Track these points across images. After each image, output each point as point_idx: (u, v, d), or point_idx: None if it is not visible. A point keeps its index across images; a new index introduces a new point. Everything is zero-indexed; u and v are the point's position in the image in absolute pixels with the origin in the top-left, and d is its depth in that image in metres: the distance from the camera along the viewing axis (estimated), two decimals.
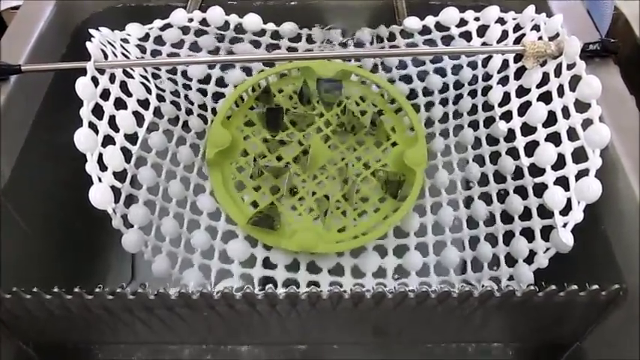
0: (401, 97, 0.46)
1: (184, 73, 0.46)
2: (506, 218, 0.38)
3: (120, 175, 0.36)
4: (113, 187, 0.35)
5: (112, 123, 0.37)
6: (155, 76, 0.44)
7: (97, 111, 0.36)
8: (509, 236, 0.37)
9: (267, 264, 0.40)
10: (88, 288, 0.31)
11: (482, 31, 0.45)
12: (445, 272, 0.39)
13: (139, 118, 0.39)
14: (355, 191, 0.43)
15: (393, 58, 0.48)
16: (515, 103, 0.39)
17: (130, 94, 0.39)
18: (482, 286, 0.30)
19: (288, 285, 0.40)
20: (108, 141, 0.36)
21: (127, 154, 0.37)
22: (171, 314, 0.33)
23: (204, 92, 0.46)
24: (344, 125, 0.45)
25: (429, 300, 0.31)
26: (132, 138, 0.38)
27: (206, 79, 0.47)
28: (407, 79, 0.48)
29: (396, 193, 0.42)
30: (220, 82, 0.47)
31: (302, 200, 0.42)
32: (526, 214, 0.37)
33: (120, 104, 0.38)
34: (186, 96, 0.45)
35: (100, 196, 0.33)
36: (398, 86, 0.47)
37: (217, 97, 0.46)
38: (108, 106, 0.37)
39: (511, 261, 0.36)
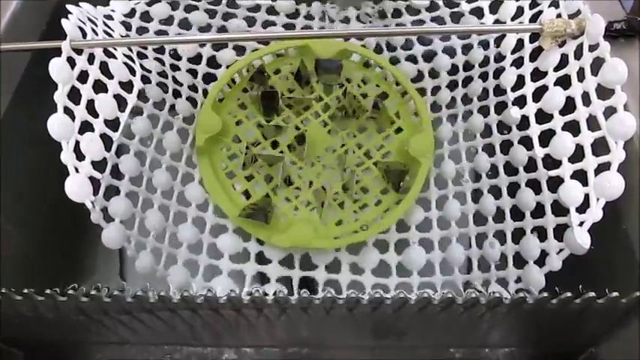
0: (406, 80, 0.42)
1: (173, 53, 0.43)
2: (517, 214, 0.35)
3: (99, 165, 0.34)
4: (92, 178, 0.32)
5: (91, 108, 0.34)
6: (141, 56, 0.41)
7: (75, 95, 0.34)
8: (519, 234, 0.34)
9: (261, 259, 0.38)
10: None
11: (495, 7, 0.41)
12: (449, 271, 0.36)
13: (120, 102, 0.37)
14: (355, 182, 0.40)
15: (398, 37, 0.45)
16: (529, 88, 0.36)
17: (111, 76, 0.36)
18: (491, 293, 0.27)
19: (283, 282, 0.38)
20: (86, 128, 0.34)
21: (107, 141, 0.35)
22: (151, 317, 0.31)
23: (194, 73, 0.43)
24: (344, 109, 0.42)
25: (430, 306, 0.28)
26: (113, 124, 0.35)
27: (196, 59, 0.43)
28: (413, 59, 0.44)
29: (398, 184, 0.39)
30: (212, 62, 0.44)
31: (298, 190, 0.40)
32: (538, 211, 0.33)
33: (100, 87, 0.35)
34: (174, 77, 0.42)
35: (76, 187, 0.31)
36: (403, 67, 0.44)
37: (209, 78, 0.43)
38: (86, 90, 0.34)
39: (520, 261, 0.33)
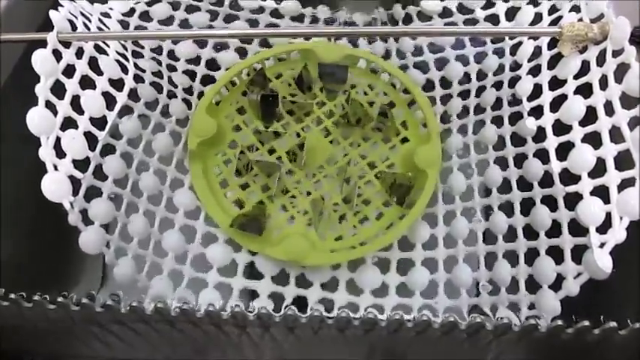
0: (414, 88, 0.40)
1: (171, 53, 0.41)
2: (530, 233, 0.32)
3: (81, 165, 0.32)
4: (72, 178, 0.30)
5: (76, 104, 0.32)
6: (136, 55, 0.39)
7: (61, 90, 0.32)
8: (532, 255, 0.31)
9: (252, 273, 0.35)
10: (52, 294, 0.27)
11: (511, 13, 0.39)
12: (455, 294, 0.33)
13: (110, 100, 0.35)
14: (357, 194, 0.37)
15: (408, 43, 0.42)
16: (547, 97, 0.33)
17: (100, 73, 0.34)
18: (499, 318, 0.25)
19: (274, 298, 0.35)
20: (69, 124, 0.32)
21: (92, 140, 0.33)
22: (124, 329, 0.29)
23: (192, 75, 0.41)
24: (348, 117, 0.39)
25: (430, 330, 0.25)
26: (99, 122, 0.34)
27: (195, 61, 0.42)
28: (423, 67, 0.42)
29: (403, 199, 0.37)
30: (211, 65, 0.42)
31: (294, 199, 0.37)
32: (554, 230, 0.30)
33: (88, 83, 0.33)
34: (169, 78, 0.40)
35: (54, 186, 0.29)
36: (412, 75, 0.42)
37: (207, 81, 0.41)
38: (71, 84, 0.32)
39: (534, 285, 0.30)
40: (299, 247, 0.34)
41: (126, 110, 0.36)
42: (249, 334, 0.28)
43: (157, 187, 0.35)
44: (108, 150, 0.34)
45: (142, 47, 0.40)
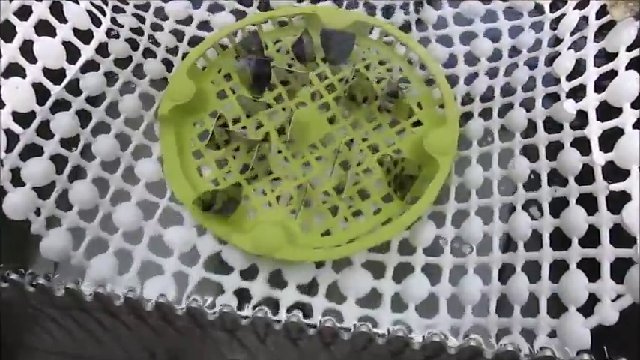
0: (434, 63, 0.34)
1: (159, 11, 0.36)
2: (559, 241, 0.25)
3: (23, 118, 0.27)
4: (9, 132, 0.26)
5: (29, 51, 0.28)
6: (117, 10, 0.34)
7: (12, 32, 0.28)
8: (559, 269, 0.24)
9: (217, 264, 0.30)
10: None
11: None
12: (458, 311, 0.27)
13: (72, 52, 0.30)
14: (353, 182, 0.31)
15: (432, 13, 0.36)
16: (591, 74, 0.27)
17: (64, 20, 0.30)
18: (501, 345, 0.18)
19: (240, 295, 0.29)
20: (15, 72, 0.27)
21: (43, 94, 0.28)
22: (65, 317, 0.24)
23: (179, 35, 0.36)
24: (352, 93, 0.33)
25: (407, 351, 0.19)
26: (56, 75, 0.29)
27: (186, 21, 0.37)
28: (446, 41, 0.36)
29: (406, 192, 0.30)
30: (204, 26, 0.37)
31: (277, 182, 0.31)
32: (590, 238, 0.24)
33: (46, 30, 0.29)
34: (152, 37, 0.35)
35: None
36: (433, 49, 0.35)
37: (196, 43, 0.35)
38: (24, 28, 0.28)
39: (558, 307, 0.23)
40: (271, 238, 0.28)
41: (91, 66, 0.31)
42: (210, 335, 0.22)
43: (114, 153, 0.30)
44: (61, 106, 0.29)
45: (126, 3, 0.35)
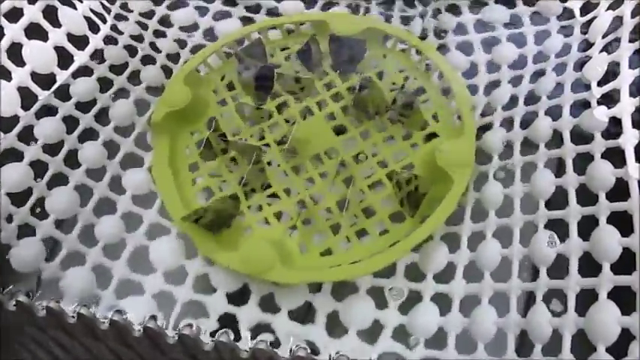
0: (452, 72, 0.31)
1: (164, 19, 0.35)
2: (588, 267, 0.21)
3: (6, 122, 0.26)
4: None
5: (16, 54, 0.27)
6: (119, 18, 0.33)
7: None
8: (587, 299, 0.21)
9: (203, 285, 0.27)
10: None
11: None
12: (470, 348, 0.23)
13: (64, 58, 0.29)
14: (359, 200, 0.28)
15: (450, 19, 0.33)
16: (626, 77, 0.23)
17: (57, 24, 0.29)
18: None
19: (225, 322, 0.26)
20: (3, 76, 0.26)
21: (29, 99, 0.27)
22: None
23: (182, 43, 0.35)
24: (362, 103, 0.31)
25: None
26: (45, 80, 0.28)
27: (190, 29, 0.35)
28: (466, 48, 0.33)
29: (416, 209, 0.27)
30: (209, 34, 0.35)
31: (275, 199, 0.29)
32: (624, 263, 0.20)
33: (38, 34, 0.28)
34: (152, 43, 0.33)
35: None
36: (452, 57, 0.33)
37: (199, 50, 0.34)
38: (12, 30, 0.27)
39: (584, 345, 0.20)
40: (261, 256, 0.25)
41: (83, 71, 0.30)
42: None
43: (101, 161, 0.28)
44: (46, 111, 0.28)
45: (130, 10, 0.34)
